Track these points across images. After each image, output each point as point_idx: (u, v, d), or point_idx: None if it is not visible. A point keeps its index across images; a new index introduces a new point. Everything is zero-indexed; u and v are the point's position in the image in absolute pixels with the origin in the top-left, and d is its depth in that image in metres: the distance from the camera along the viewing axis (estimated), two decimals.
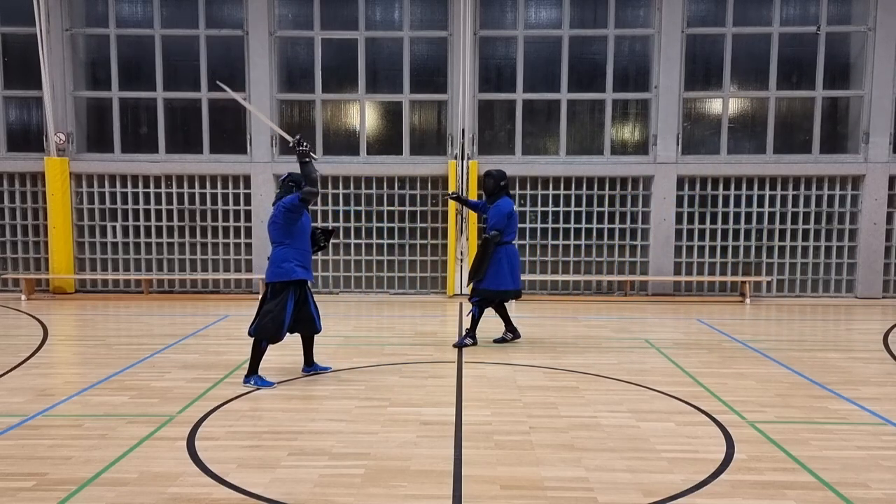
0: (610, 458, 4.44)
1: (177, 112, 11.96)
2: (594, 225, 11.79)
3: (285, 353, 6.89)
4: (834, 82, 11.61)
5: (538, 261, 11.85)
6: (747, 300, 11.33)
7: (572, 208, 11.79)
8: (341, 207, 11.86)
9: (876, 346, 8.08)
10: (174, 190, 11.86)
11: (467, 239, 11.50)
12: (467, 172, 11.34)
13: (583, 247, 11.83)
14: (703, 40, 11.61)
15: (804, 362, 7.14)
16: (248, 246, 11.87)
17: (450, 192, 8.25)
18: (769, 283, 11.78)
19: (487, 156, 11.71)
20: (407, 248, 11.96)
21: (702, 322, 9.55)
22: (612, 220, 11.80)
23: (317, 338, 6.61)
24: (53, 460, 4.37)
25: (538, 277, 11.69)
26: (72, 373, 6.93)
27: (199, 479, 4.11)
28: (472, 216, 11.37)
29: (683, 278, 11.66)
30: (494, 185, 7.76)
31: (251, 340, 6.12)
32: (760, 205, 11.66)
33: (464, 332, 7.95)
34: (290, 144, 5.96)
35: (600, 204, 11.78)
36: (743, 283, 11.54)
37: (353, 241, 11.90)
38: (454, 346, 7.73)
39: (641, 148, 11.82)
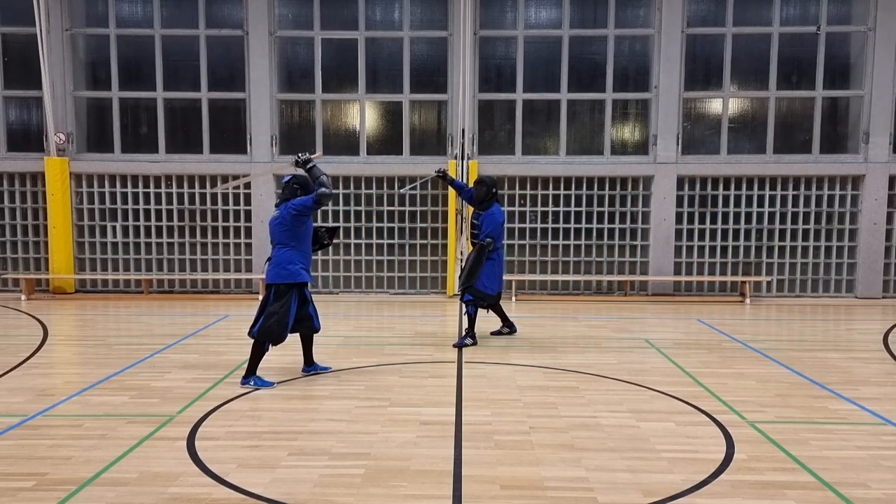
0: (610, 458, 4.44)
1: (177, 112, 11.96)
2: (594, 225, 11.79)
3: (285, 353, 6.88)
4: (834, 82, 11.61)
5: (538, 261, 11.85)
6: (747, 300, 11.33)
7: (572, 208, 11.78)
8: (341, 207, 11.85)
9: (876, 346, 8.08)
10: (174, 190, 11.86)
11: (467, 239, 11.47)
12: (467, 172, 11.34)
13: (583, 247, 11.83)
14: (703, 40, 11.61)
15: (804, 362, 7.14)
16: (248, 246, 11.87)
17: (437, 169, 8.37)
18: (769, 283, 11.78)
19: (487, 156, 11.72)
20: (407, 248, 11.96)
21: (702, 322, 9.54)
22: (612, 220, 11.80)
23: (317, 338, 6.62)
24: (53, 460, 4.38)
25: (538, 277, 11.69)
26: (72, 373, 6.94)
27: (199, 479, 4.12)
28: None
29: (683, 278, 11.66)
30: (486, 192, 7.85)
31: (251, 340, 6.11)
32: (760, 205, 11.66)
33: (463, 332, 7.97)
34: (293, 163, 6.23)
35: (600, 204, 11.78)
36: (743, 283, 11.54)
37: (353, 241, 11.90)
38: (454, 346, 7.74)
39: (641, 148, 11.82)
